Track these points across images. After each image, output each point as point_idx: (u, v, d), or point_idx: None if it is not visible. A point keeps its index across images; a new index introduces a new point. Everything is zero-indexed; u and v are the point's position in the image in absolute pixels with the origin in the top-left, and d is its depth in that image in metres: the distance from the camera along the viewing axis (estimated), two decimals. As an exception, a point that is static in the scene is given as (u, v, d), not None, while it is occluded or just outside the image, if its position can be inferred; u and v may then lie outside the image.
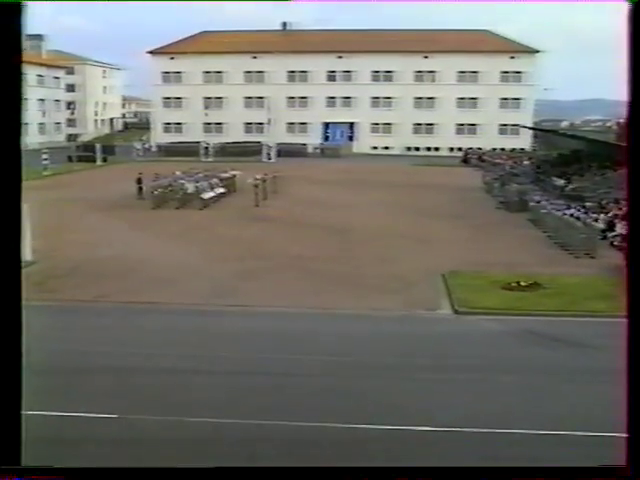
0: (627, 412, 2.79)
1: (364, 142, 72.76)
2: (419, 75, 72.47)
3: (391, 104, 73.31)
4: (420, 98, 72.60)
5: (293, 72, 74.17)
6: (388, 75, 72.84)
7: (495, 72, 70.79)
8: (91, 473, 2.74)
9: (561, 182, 38.36)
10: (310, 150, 69.39)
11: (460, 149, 69.29)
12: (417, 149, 72.51)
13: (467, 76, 71.12)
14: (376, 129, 73.90)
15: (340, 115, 73.25)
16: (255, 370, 12.14)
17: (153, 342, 13.61)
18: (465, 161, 63.54)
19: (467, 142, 70.41)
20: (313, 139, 71.95)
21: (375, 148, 72.72)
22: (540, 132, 68.87)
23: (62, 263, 20.50)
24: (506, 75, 71.35)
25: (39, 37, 79.75)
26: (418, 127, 73.22)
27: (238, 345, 13.53)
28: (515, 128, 70.09)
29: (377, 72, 72.84)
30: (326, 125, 74.57)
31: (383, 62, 71.69)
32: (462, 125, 72.12)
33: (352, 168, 53.43)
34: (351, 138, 74.28)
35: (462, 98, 71.59)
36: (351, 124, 74.10)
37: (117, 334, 14.25)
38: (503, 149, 68.56)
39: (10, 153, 2.74)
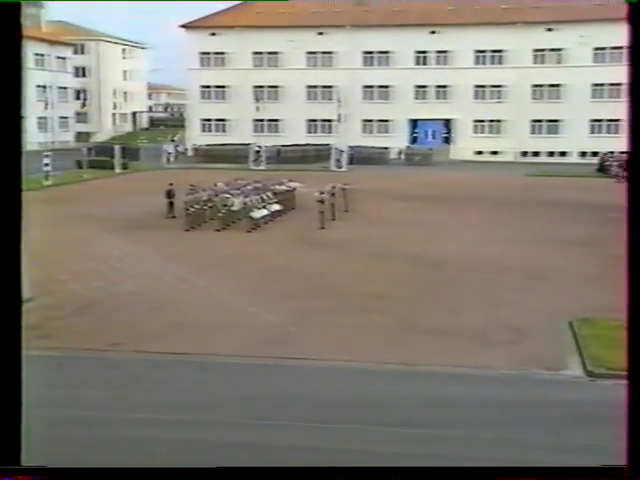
0: (627, 412, 3.51)
1: (464, 145, 72.59)
2: (539, 55, 71.98)
3: (501, 94, 73.00)
4: (540, 86, 72.00)
5: (371, 53, 74.93)
6: (497, 55, 72.72)
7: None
8: (91, 473, 3.27)
9: None
10: (393, 156, 69.69)
11: (595, 154, 68.02)
12: (536, 154, 71.80)
13: (607, 54, 69.64)
14: (481, 128, 73.68)
15: (433, 110, 73.38)
16: (314, 444, 12.18)
17: (180, 405, 13.83)
18: (602, 170, 62.43)
19: (606, 144, 68.39)
20: (397, 141, 72.28)
21: (479, 153, 72.41)
22: None
23: (67, 300, 21.09)
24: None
25: (37, 3, 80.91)
26: (538, 125, 72.60)
27: (292, 412, 13.61)
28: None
29: (482, 52, 72.83)
30: (414, 123, 74.85)
31: (491, 38, 71.59)
32: (599, 121, 70.97)
33: (447, 179, 53.30)
34: (447, 140, 74.31)
35: (599, 85, 70.49)
36: (447, 121, 74.15)
37: (134, 395, 14.53)
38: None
39: (9, 154, 2.98)
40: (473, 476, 3.13)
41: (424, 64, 74.27)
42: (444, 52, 73.54)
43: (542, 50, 71.78)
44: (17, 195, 3.19)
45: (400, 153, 70.70)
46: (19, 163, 3.05)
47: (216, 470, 3.38)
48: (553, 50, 71.61)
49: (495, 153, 72.59)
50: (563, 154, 71.45)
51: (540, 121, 72.42)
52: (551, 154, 71.66)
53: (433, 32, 72.94)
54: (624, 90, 62.12)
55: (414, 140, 74.75)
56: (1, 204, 3.35)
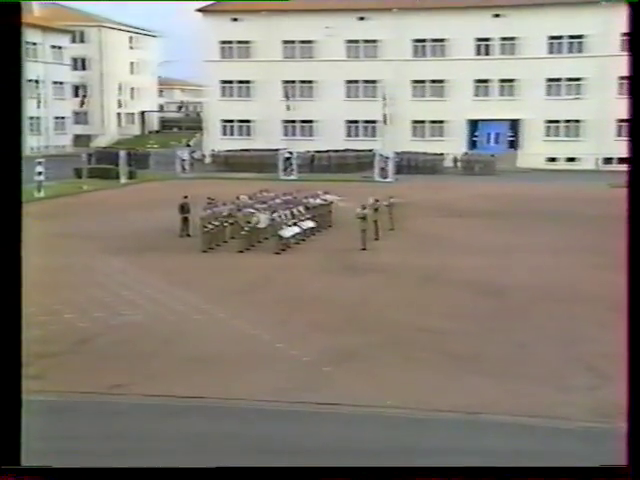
0: (627, 413, 3.98)
1: (534, 150, 72.26)
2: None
3: (580, 89, 72.57)
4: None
5: (422, 41, 75.06)
6: (576, 42, 72.36)
7: None
8: (91, 473, 3.80)
9: None
10: (448, 163, 69.62)
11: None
12: (623, 161, 71.23)
13: None
14: (554, 130, 73.38)
15: (496, 109, 73.19)
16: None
17: (195, 462, 13.84)
18: None
19: None
20: (453, 146, 72.10)
21: (552, 160, 72.07)
22: None
23: (61, 334, 21.20)
24: None
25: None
26: (625, 126, 72.06)
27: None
28: None
29: (558, 38, 72.54)
30: (474, 124, 74.75)
31: (568, 21, 71.22)
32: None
33: (513, 192, 53.09)
34: (513, 144, 74.10)
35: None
36: (513, 122, 73.97)
37: (140, 450, 14.51)
38: None
39: (7, 160, 3.18)
40: (474, 476, 3.41)
41: (486, 54, 74.24)
42: (510, 39, 73.44)
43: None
44: (17, 196, 3.42)
45: (456, 160, 70.61)
46: (19, 168, 3.25)
47: (216, 470, 3.79)
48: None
49: (572, 160, 72.17)
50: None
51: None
52: (641, 161, 71.08)
53: (497, 15, 72.90)
54: None
55: (473, 145, 74.64)
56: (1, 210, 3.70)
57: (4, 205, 3.65)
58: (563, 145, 72.71)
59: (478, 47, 74.36)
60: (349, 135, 76.31)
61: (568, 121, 72.83)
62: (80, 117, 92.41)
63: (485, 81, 74.30)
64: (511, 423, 15.76)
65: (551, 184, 57.60)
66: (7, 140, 3.24)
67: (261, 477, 3.88)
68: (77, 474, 4.29)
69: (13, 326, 4.37)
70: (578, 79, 72.47)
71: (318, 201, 39.77)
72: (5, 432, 4.45)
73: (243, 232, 33.89)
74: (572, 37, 72.17)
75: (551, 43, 72.93)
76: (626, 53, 4.15)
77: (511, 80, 73.69)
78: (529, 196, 51.30)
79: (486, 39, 73.96)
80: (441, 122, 74.92)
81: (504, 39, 73.56)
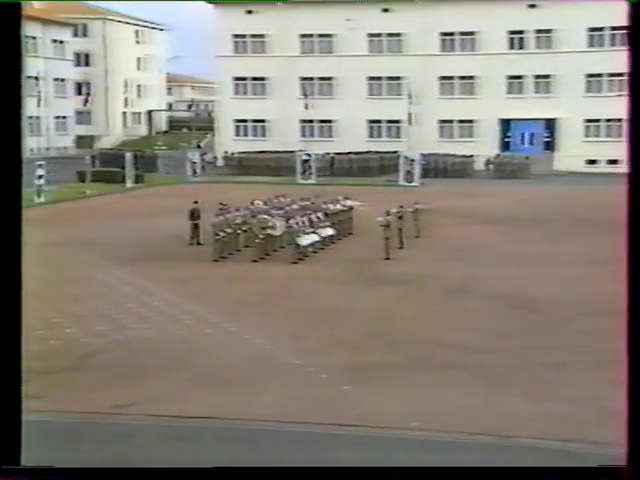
0: (627, 413, 4.23)
1: (573, 152, 72.06)
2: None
3: (623, 86, 72.34)
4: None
5: (451, 35, 75.04)
6: (618, 34, 71.97)
7: None
8: (90, 473, 4.11)
9: None
10: (478, 166, 69.49)
11: None
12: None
13: None
14: (595, 130, 73.17)
15: (530, 107, 73.03)
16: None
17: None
18: None
19: None
20: (484, 148, 71.97)
21: (592, 162, 71.85)
22: None
23: (62, 349, 21.30)
24: None
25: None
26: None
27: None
28: None
29: (599, 30, 72.28)
30: (506, 124, 74.58)
31: (610, 11, 70.86)
32: None
33: (548, 196, 53.03)
34: (549, 145, 73.95)
35: None
36: (549, 122, 73.72)
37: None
38: None
39: (7, 163, 3.25)
40: (473, 476, 3.61)
41: (520, 48, 74.17)
42: (547, 32, 73.34)
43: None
44: (17, 201, 3.53)
45: (488, 163, 70.54)
46: (19, 171, 3.33)
47: (216, 470, 4.04)
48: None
49: (614, 162, 71.75)
50: None
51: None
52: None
53: (532, 5, 72.83)
54: None
55: (506, 146, 74.58)
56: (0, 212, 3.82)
57: (2, 211, 3.74)
58: (604, 146, 72.35)
59: (511, 40, 74.28)
60: (371, 136, 76.37)
61: (610, 120, 72.43)
62: (83, 117, 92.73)
63: (519, 77, 74.19)
64: (546, 447, 15.70)
65: (591, 189, 57.37)
66: (6, 142, 3.29)
67: (261, 477, 4.08)
68: (77, 474, 4.64)
69: (13, 327, 4.61)
70: (621, 74, 72.01)
71: (338, 207, 39.72)
72: (5, 432, 4.75)
73: (257, 240, 33.93)
74: (614, 28, 71.72)
75: (591, 35, 72.76)
76: (626, 54, 4.30)
77: (547, 76, 73.57)
78: (567, 202, 51.15)
79: (520, 32, 73.86)
80: (471, 122, 74.85)
81: (540, 31, 73.45)
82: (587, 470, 3.67)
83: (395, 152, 67.10)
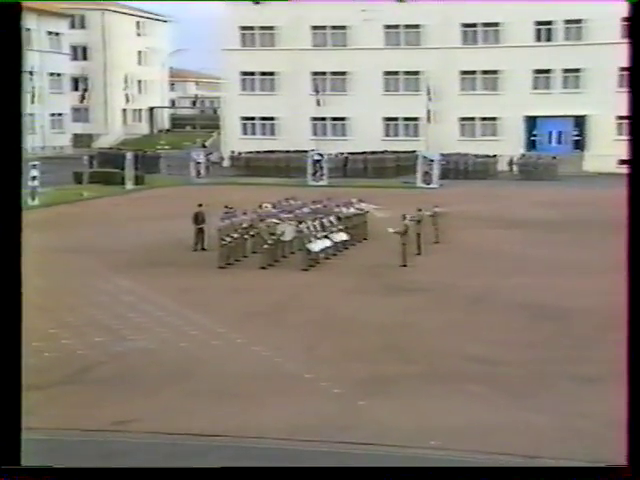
0: (628, 413, 4.43)
1: (604, 151, 71.85)
2: None
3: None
4: None
5: (473, 26, 74.97)
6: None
7: None
8: (90, 473, 4.40)
9: None
10: (502, 167, 69.36)
11: None
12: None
13: None
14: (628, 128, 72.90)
15: (559, 103, 72.91)
16: None
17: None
18: None
19: None
20: (508, 147, 71.84)
21: (625, 163, 71.62)
22: None
23: (58, 362, 21.34)
24: None
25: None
26: None
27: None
28: None
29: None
30: (532, 122, 74.41)
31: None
32: None
33: (578, 199, 52.83)
34: (579, 145, 73.74)
35: None
36: (579, 119, 73.53)
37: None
38: None
39: (7, 163, 3.33)
40: (473, 476, 3.93)
41: (547, 40, 74.07)
42: (576, 22, 73.18)
43: None
44: (17, 203, 3.62)
45: (512, 163, 70.47)
46: (19, 172, 3.41)
47: (216, 470, 4.27)
48: None
49: (647, 163, 71.77)
50: None
51: None
52: None
53: (559, -4, 72.75)
54: None
55: (532, 145, 74.49)
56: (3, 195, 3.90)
57: (2, 211, 3.84)
58: (636, 146, 72.18)
59: (538, 32, 74.18)
60: (387, 134, 76.37)
61: (642, 118, 72.28)
62: (80, 114, 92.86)
63: (546, 71, 74.09)
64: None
65: (624, 191, 57.09)
66: (6, 142, 3.32)
67: (261, 477, 4.26)
68: (77, 474, 4.87)
69: (13, 328, 4.83)
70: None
71: (352, 210, 39.74)
72: (5, 432, 5.00)
73: (266, 245, 33.94)
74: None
75: (624, 26, 72.55)
76: (627, 54, 4.32)
77: (576, 70, 73.42)
78: (597, 204, 50.91)
79: (547, 22, 73.76)
80: (494, 119, 74.77)
81: (568, 22, 73.27)
82: (587, 470, 3.88)
83: (413, 152, 67.12)
